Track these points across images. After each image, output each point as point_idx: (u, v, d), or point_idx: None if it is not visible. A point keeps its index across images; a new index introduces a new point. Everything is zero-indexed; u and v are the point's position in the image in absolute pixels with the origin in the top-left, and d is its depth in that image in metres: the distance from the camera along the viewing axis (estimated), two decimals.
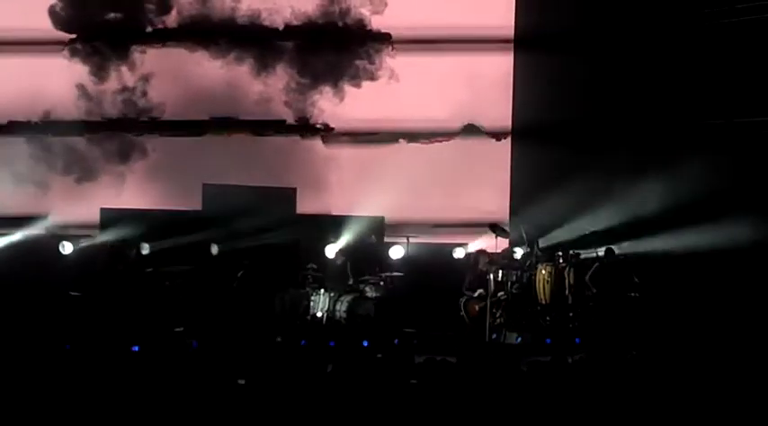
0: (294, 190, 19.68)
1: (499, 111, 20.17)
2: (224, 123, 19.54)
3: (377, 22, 19.80)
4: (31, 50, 18.83)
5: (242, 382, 11.63)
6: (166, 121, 19.48)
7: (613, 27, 19.44)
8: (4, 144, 18.98)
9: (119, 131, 19.37)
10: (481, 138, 20.18)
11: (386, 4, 19.68)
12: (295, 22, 19.68)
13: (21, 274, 17.35)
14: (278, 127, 19.72)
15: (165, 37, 19.45)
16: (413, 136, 19.92)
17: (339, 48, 19.77)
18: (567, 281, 18.00)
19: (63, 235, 18.23)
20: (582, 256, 18.34)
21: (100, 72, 19.21)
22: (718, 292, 18.22)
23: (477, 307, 17.96)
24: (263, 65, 19.61)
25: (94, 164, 19.26)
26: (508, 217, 20.05)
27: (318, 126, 19.81)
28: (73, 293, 17.07)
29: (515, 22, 20.12)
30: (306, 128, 19.79)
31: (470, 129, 20.08)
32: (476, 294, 18.02)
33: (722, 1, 19.09)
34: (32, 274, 17.32)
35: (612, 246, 18.43)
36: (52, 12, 19.05)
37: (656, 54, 19.34)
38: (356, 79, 19.73)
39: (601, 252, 18.30)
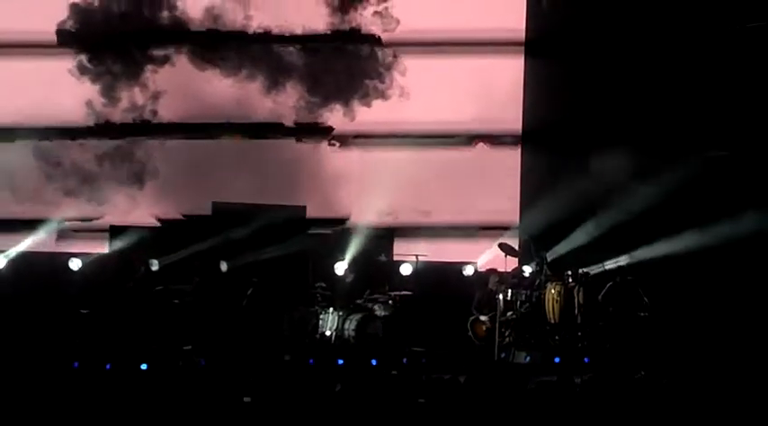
0: (304, 208, 19.66)
1: (510, 117, 20.12)
2: (230, 128, 19.55)
3: (388, 32, 19.76)
4: (40, 55, 18.88)
5: (247, 400, 11.61)
6: (172, 124, 19.42)
7: (623, 31, 19.40)
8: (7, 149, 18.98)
9: (126, 139, 19.34)
10: (492, 145, 20.13)
11: (398, 22, 19.68)
12: (305, 40, 19.68)
13: (29, 290, 17.37)
14: (284, 130, 19.70)
15: (175, 54, 19.48)
16: (423, 142, 19.88)
17: (349, 66, 19.76)
18: (576, 301, 17.97)
19: (71, 252, 18.24)
20: (591, 273, 18.29)
21: (109, 90, 19.23)
22: (724, 300, 18.19)
23: (484, 328, 17.94)
24: (273, 83, 19.62)
25: (104, 183, 19.27)
26: (518, 223, 19.95)
27: (330, 140, 19.80)
28: (82, 310, 17.08)
29: (526, 27, 20.08)
30: (316, 130, 19.76)
31: (481, 136, 20.04)
32: (484, 318, 18.00)
33: (736, 8, 19.05)
34: (41, 290, 17.34)
35: (622, 263, 18.38)
36: (61, 30, 19.08)
37: (665, 57, 19.29)
38: (366, 98, 19.73)
39: (609, 265, 18.25)
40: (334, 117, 19.80)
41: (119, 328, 16.63)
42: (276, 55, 19.60)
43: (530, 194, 19.89)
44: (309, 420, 11.23)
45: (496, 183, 19.95)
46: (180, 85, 19.57)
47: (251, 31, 19.57)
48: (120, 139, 19.27)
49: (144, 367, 15.37)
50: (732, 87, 19.15)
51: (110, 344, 16.18)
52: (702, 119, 19.40)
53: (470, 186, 19.78)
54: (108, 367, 15.23)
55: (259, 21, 19.58)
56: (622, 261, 18.56)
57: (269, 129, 19.64)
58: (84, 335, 16.49)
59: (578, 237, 19.25)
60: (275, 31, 19.62)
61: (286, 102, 19.77)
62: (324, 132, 19.80)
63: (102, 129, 19.26)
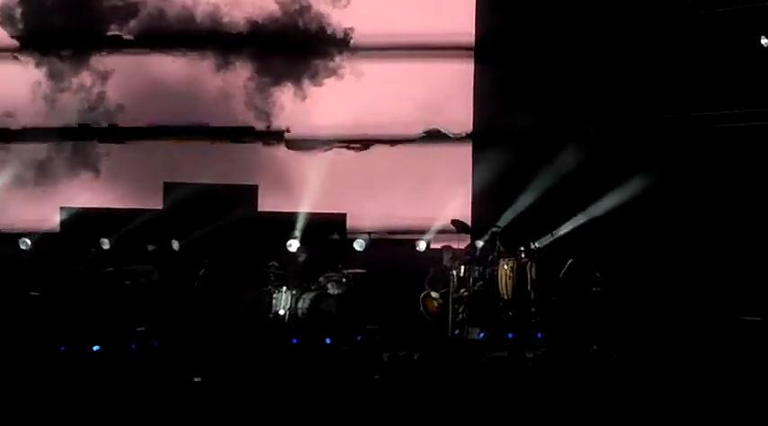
0: (256, 187, 19.61)
1: (461, 115, 20.19)
2: (184, 130, 19.44)
3: (339, 18, 19.69)
4: None
5: (198, 380, 11.57)
6: (128, 128, 19.33)
7: (568, 26, 19.50)
8: None
9: (78, 139, 19.20)
10: (444, 142, 20.18)
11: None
12: (255, 19, 19.57)
13: None
14: (242, 133, 19.62)
15: (122, 39, 19.32)
16: (375, 139, 19.89)
17: (299, 46, 19.68)
18: (528, 276, 18.03)
19: (21, 231, 18.12)
20: (541, 246, 18.36)
21: (57, 76, 19.06)
22: (678, 286, 18.33)
23: (435, 304, 17.99)
24: (223, 62, 19.51)
25: (54, 169, 19.11)
26: (470, 220, 20.06)
27: (281, 130, 19.67)
28: (32, 293, 16.96)
29: (475, 28, 20.13)
30: (269, 134, 19.67)
31: (433, 133, 20.07)
32: (435, 294, 18.05)
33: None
34: None
35: (571, 228, 18.56)
36: (7, 17, 18.87)
37: (612, 51, 19.41)
38: (317, 77, 19.65)
39: (558, 233, 18.39)
40: (285, 97, 19.72)
41: (70, 310, 16.51)
42: (225, 34, 19.47)
43: (481, 191, 19.98)
44: (264, 398, 11.20)
45: (448, 180, 20.03)
46: (128, 66, 19.43)
47: (199, 8, 19.42)
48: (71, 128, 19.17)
49: (96, 348, 15.27)
50: (672, 77, 19.30)
51: (61, 327, 16.06)
52: (651, 109, 19.57)
53: (422, 186, 19.86)
54: (62, 349, 15.14)
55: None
56: (571, 226, 18.71)
57: (224, 133, 19.57)
58: (35, 318, 16.36)
59: (528, 211, 19.39)
60: (224, 8, 19.49)
61: (236, 82, 19.66)
62: (277, 137, 19.73)
63: (53, 117, 19.13)
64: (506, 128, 19.59)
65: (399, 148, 20.00)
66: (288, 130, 19.71)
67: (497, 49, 19.89)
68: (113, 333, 16.09)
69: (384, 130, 19.89)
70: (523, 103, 19.46)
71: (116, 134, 19.31)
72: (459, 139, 20.11)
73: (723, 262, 18.46)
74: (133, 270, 17.61)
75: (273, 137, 19.69)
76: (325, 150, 19.60)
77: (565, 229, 18.82)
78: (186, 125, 19.45)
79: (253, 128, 19.69)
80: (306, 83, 19.65)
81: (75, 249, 17.79)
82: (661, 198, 19.29)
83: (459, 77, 20.12)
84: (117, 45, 19.28)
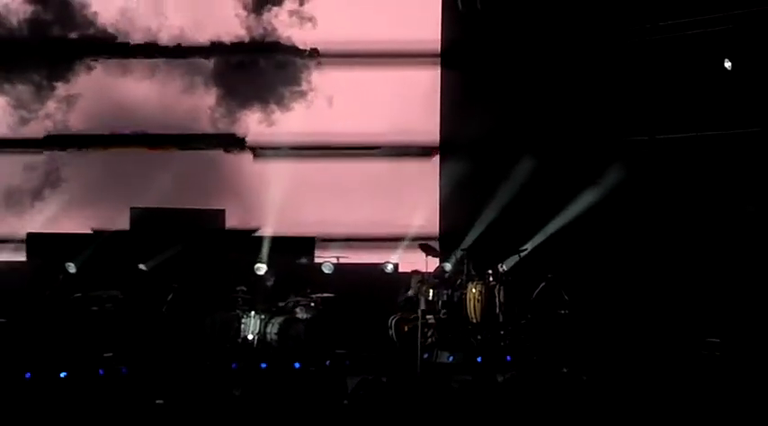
0: (223, 211, 19.58)
1: (428, 126, 20.23)
2: (148, 139, 19.38)
3: (304, 37, 19.72)
4: None
5: (160, 402, 11.55)
6: (89, 136, 19.23)
7: (539, 43, 19.61)
8: None
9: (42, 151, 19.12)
10: (411, 155, 20.23)
11: (314, 22, 19.65)
12: (221, 42, 19.57)
13: None
14: (207, 140, 19.58)
15: (90, 55, 19.28)
16: (342, 152, 19.92)
17: (266, 68, 19.69)
18: (497, 299, 18.06)
19: None
20: (507, 268, 18.42)
21: (21, 96, 19.00)
22: (644, 308, 18.43)
23: (406, 327, 17.99)
24: (190, 86, 19.49)
25: (19, 189, 19.05)
26: (438, 233, 20.12)
27: (247, 141, 19.68)
28: None
29: (441, 38, 20.21)
30: (235, 142, 19.66)
31: (399, 147, 20.12)
32: (411, 316, 18.07)
33: (646, 18, 19.34)
34: None
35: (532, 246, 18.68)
36: None
37: (581, 69, 19.54)
38: (284, 100, 19.66)
39: (524, 250, 18.46)
40: (252, 120, 19.72)
41: (37, 337, 16.41)
42: (191, 59, 19.47)
43: (448, 202, 20.03)
44: (233, 423, 11.18)
45: (416, 192, 20.06)
46: (95, 90, 19.38)
47: (165, 33, 19.41)
48: (36, 150, 19.07)
49: (63, 375, 15.21)
50: (644, 89, 19.45)
51: (28, 353, 15.96)
52: (616, 129, 19.72)
53: (389, 196, 19.88)
54: (28, 376, 15.05)
55: (174, 22, 19.44)
56: (537, 242, 18.82)
57: (186, 140, 19.52)
58: (2, 345, 16.25)
59: (494, 228, 19.47)
60: (190, 32, 19.49)
61: (202, 106, 19.65)
62: (240, 143, 19.71)
63: (18, 142, 19.04)
64: (472, 140, 19.66)
65: (366, 169, 20.03)
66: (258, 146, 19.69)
67: (463, 59, 19.95)
68: (81, 360, 16.02)
69: (351, 141, 19.92)
70: (489, 115, 19.55)
71: (81, 143, 19.20)
72: (423, 154, 20.16)
73: (689, 283, 18.57)
74: (100, 296, 17.52)
75: (238, 144, 19.66)
76: (291, 160, 19.58)
77: (530, 246, 18.90)
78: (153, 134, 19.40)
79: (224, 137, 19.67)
80: (273, 105, 19.66)
81: (43, 275, 17.69)
82: (627, 218, 19.40)
83: (425, 86, 20.17)
84: (82, 69, 19.24)
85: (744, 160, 18.54)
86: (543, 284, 18.14)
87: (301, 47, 19.67)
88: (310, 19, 19.67)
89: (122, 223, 19.22)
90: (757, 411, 11.40)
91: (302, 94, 19.65)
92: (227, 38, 19.53)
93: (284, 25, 19.67)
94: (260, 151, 19.62)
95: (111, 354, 16.40)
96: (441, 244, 19.73)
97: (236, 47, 19.49)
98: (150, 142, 19.35)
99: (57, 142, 19.15)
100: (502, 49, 19.78)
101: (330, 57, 19.64)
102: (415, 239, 19.07)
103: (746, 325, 17.52)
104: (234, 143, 19.53)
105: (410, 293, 18.31)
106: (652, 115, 19.49)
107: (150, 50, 19.34)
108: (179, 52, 19.42)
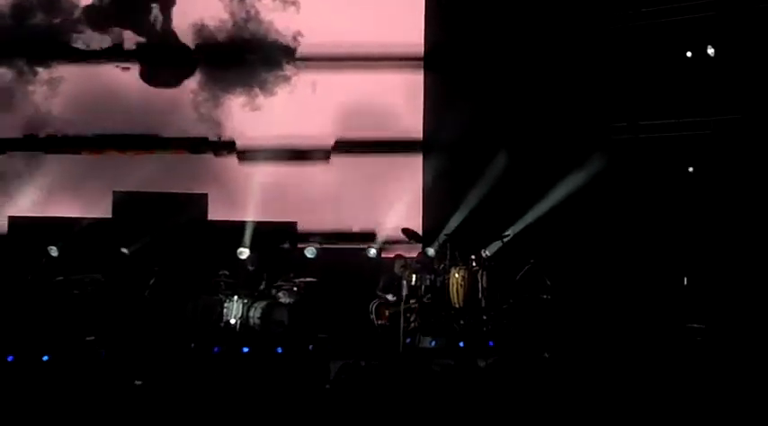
0: (205, 195, 19.56)
1: (412, 122, 20.28)
2: (136, 141, 19.37)
3: (287, 22, 19.68)
4: None
5: (138, 383, 11.56)
6: (75, 138, 19.22)
7: (521, 26, 19.63)
8: None
9: (26, 149, 19.09)
10: (395, 153, 20.28)
11: (297, 6, 19.63)
12: (204, 27, 19.51)
13: None
14: (192, 144, 19.56)
15: (71, 49, 19.21)
16: (325, 150, 19.94)
17: (249, 54, 19.64)
18: (480, 284, 18.09)
19: None
20: (490, 253, 18.46)
21: (5, 87, 18.95)
22: (626, 293, 18.50)
23: (387, 312, 18.01)
24: (174, 75, 19.43)
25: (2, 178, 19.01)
26: (421, 225, 20.15)
27: (231, 141, 19.60)
28: None
29: (424, 39, 20.25)
30: (219, 145, 19.62)
31: (383, 143, 20.14)
32: (390, 299, 18.10)
33: (628, 4, 19.37)
34: None
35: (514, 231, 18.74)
36: None
37: (563, 54, 19.57)
38: (268, 86, 19.62)
39: (507, 234, 18.50)
40: (236, 107, 19.67)
41: (19, 320, 16.38)
42: (174, 44, 19.42)
43: (431, 201, 20.06)
44: (215, 407, 11.19)
45: (400, 190, 20.11)
46: (78, 77, 19.33)
47: (150, 17, 19.36)
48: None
49: (46, 358, 15.20)
50: (619, 85, 19.50)
51: (11, 336, 15.94)
52: (598, 104, 19.75)
53: (374, 193, 19.93)
54: (10, 359, 15.06)
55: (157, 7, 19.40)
56: (519, 228, 18.88)
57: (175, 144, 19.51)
58: None
59: (477, 216, 19.52)
60: (174, 19, 19.44)
61: (186, 94, 19.59)
62: (228, 147, 19.67)
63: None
64: (455, 135, 19.68)
65: (350, 156, 20.04)
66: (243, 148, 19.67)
67: (447, 59, 19.99)
68: (63, 343, 16.01)
69: (334, 138, 19.94)
70: (472, 103, 19.58)
71: (64, 144, 19.18)
72: (408, 148, 20.19)
73: (671, 269, 18.64)
74: (82, 279, 17.48)
75: (224, 147, 19.64)
76: (275, 161, 19.58)
77: (513, 231, 18.94)
78: (136, 135, 19.37)
79: (206, 138, 19.62)
80: (257, 92, 19.62)
81: (25, 258, 17.65)
82: (610, 204, 19.46)
83: (409, 86, 20.20)
84: (66, 55, 19.16)
85: (725, 147, 18.60)
86: (527, 267, 18.18)
87: (284, 34, 19.59)
88: (294, 2, 19.63)
89: (105, 207, 19.20)
90: (739, 396, 11.46)
91: (286, 79, 19.61)
92: (210, 22, 19.46)
93: (267, 9, 19.61)
94: (246, 154, 19.60)
95: (92, 338, 16.39)
96: (424, 230, 19.76)
97: (220, 32, 19.43)
98: (131, 145, 19.31)
99: (33, 144, 19.09)
100: (484, 37, 19.79)
101: (314, 60, 19.59)
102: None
103: (728, 311, 17.61)
104: (219, 146, 19.49)
105: (395, 271, 18.29)
106: (634, 102, 19.53)
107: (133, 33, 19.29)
108: (164, 42, 19.37)
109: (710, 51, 18.58)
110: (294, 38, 19.57)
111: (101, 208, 19.15)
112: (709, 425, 10.67)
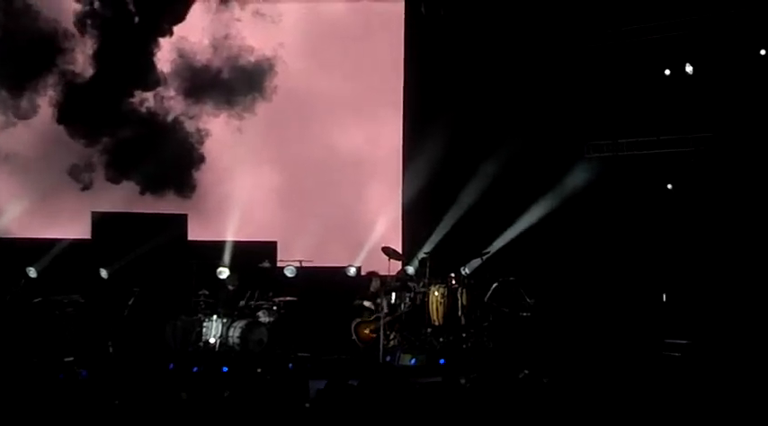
0: (185, 216, 19.52)
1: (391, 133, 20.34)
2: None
3: (265, 38, 19.66)
4: None
5: (116, 402, 11.48)
6: None
7: (499, 49, 19.70)
8: None
9: None
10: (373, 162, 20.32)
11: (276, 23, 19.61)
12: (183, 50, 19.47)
13: None
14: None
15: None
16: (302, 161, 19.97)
17: (229, 73, 19.63)
18: (459, 302, 18.09)
19: None
20: (470, 271, 18.46)
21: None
22: (605, 310, 18.52)
23: (367, 331, 18.01)
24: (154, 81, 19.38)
25: None
26: (401, 237, 20.17)
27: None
28: None
29: (404, 50, 20.30)
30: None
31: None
32: (371, 318, 18.09)
33: (607, 23, 19.44)
34: None
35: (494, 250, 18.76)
36: None
37: (542, 74, 19.64)
38: (246, 104, 19.60)
39: (487, 252, 18.52)
40: (212, 123, 19.64)
41: None
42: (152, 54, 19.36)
43: (412, 208, 20.10)
44: None
45: (380, 201, 20.16)
46: None
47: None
48: None
49: (24, 379, 15.08)
50: (605, 93, 19.57)
51: None
52: (577, 122, 19.82)
53: (354, 210, 19.95)
54: None
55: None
56: (499, 245, 18.90)
57: None
58: None
59: (456, 232, 19.53)
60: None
61: (165, 100, 19.53)
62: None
63: None
64: (433, 149, 19.72)
65: (329, 173, 20.06)
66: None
67: (426, 65, 20.03)
68: (42, 364, 15.93)
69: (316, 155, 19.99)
70: (451, 121, 19.63)
71: None
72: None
73: (651, 285, 18.68)
74: (61, 300, 17.42)
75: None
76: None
77: (493, 249, 18.96)
78: None
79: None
80: (237, 110, 19.59)
81: (3, 279, 17.58)
82: (589, 221, 19.50)
83: (389, 100, 20.28)
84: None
85: (703, 163, 18.67)
86: (496, 285, 18.20)
87: (262, 53, 19.55)
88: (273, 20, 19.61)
89: (84, 228, 19.14)
90: (718, 411, 11.46)
91: (265, 98, 19.56)
92: (190, 38, 19.42)
93: (246, 25, 19.56)
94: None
95: (71, 358, 16.32)
96: (403, 248, 19.76)
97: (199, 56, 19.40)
98: None
99: None
100: (464, 54, 19.85)
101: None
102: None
103: (708, 327, 17.64)
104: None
105: (372, 289, 18.28)
106: (613, 119, 19.59)
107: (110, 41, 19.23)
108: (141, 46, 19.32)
109: (689, 69, 18.66)
110: (269, 62, 19.49)
111: (80, 229, 19.11)
112: None
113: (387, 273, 18.56)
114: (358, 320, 18.21)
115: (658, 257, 18.83)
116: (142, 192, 19.08)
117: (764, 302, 17.57)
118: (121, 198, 19.04)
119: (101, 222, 19.09)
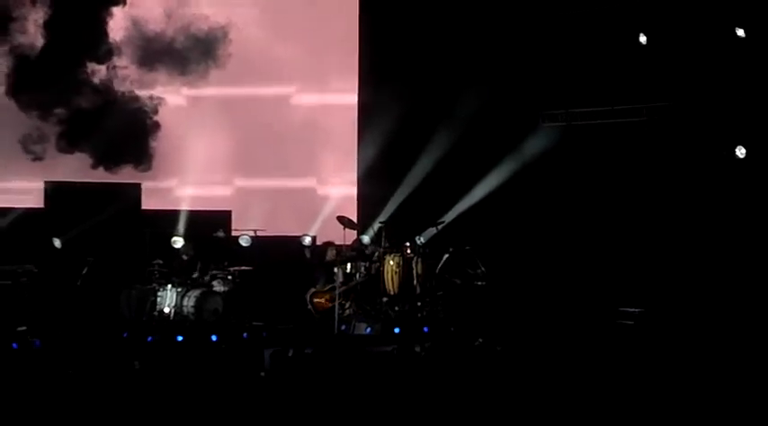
0: (139, 185, 19.42)
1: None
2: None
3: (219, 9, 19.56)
4: None
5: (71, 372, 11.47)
6: None
7: (453, 20, 19.70)
8: None
9: None
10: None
11: None
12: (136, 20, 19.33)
13: None
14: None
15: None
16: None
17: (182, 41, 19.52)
18: (415, 271, 18.13)
19: None
20: (425, 240, 18.51)
21: None
22: (559, 279, 18.62)
23: (323, 300, 18.02)
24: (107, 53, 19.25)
25: None
26: (356, 206, 20.18)
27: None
28: None
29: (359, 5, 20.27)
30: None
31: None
32: (325, 287, 18.10)
33: None
34: None
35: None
36: None
37: (498, 43, 19.64)
38: (200, 70, 19.50)
39: (442, 221, 18.53)
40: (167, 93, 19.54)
41: None
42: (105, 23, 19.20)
43: (367, 177, 20.11)
44: (150, 396, 11.13)
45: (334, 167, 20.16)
46: None
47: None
48: None
49: None
50: (560, 63, 19.62)
51: None
52: (532, 92, 19.88)
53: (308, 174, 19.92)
54: None
55: None
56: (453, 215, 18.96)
57: None
58: None
59: (412, 201, 19.56)
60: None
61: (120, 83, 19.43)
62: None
63: None
64: (388, 117, 19.71)
65: (284, 142, 20.02)
66: None
67: (381, 32, 20.00)
68: None
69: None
70: (407, 87, 19.62)
71: None
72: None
73: (604, 254, 18.78)
74: (14, 270, 17.30)
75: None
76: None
77: (448, 218, 19.00)
78: None
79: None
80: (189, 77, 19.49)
81: None
82: (544, 191, 19.57)
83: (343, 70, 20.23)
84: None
85: (655, 133, 18.77)
86: (447, 255, 18.26)
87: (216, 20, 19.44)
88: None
89: (37, 197, 19.02)
90: (670, 380, 11.57)
91: (219, 65, 19.47)
92: (143, 6, 19.30)
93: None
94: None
95: (24, 328, 16.23)
96: (359, 217, 19.76)
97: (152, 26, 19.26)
98: None
99: None
100: (419, 24, 19.82)
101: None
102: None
103: (661, 296, 17.77)
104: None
105: (327, 258, 18.30)
106: (567, 89, 19.64)
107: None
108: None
109: (642, 39, 18.71)
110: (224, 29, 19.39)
111: (32, 199, 18.98)
112: (643, 409, 10.76)
113: (342, 242, 18.55)
114: (313, 289, 18.21)
115: (613, 226, 18.92)
116: (97, 162, 18.96)
117: (718, 270, 17.71)
118: (75, 168, 18.92)
119: (54, 191, 18.96)
